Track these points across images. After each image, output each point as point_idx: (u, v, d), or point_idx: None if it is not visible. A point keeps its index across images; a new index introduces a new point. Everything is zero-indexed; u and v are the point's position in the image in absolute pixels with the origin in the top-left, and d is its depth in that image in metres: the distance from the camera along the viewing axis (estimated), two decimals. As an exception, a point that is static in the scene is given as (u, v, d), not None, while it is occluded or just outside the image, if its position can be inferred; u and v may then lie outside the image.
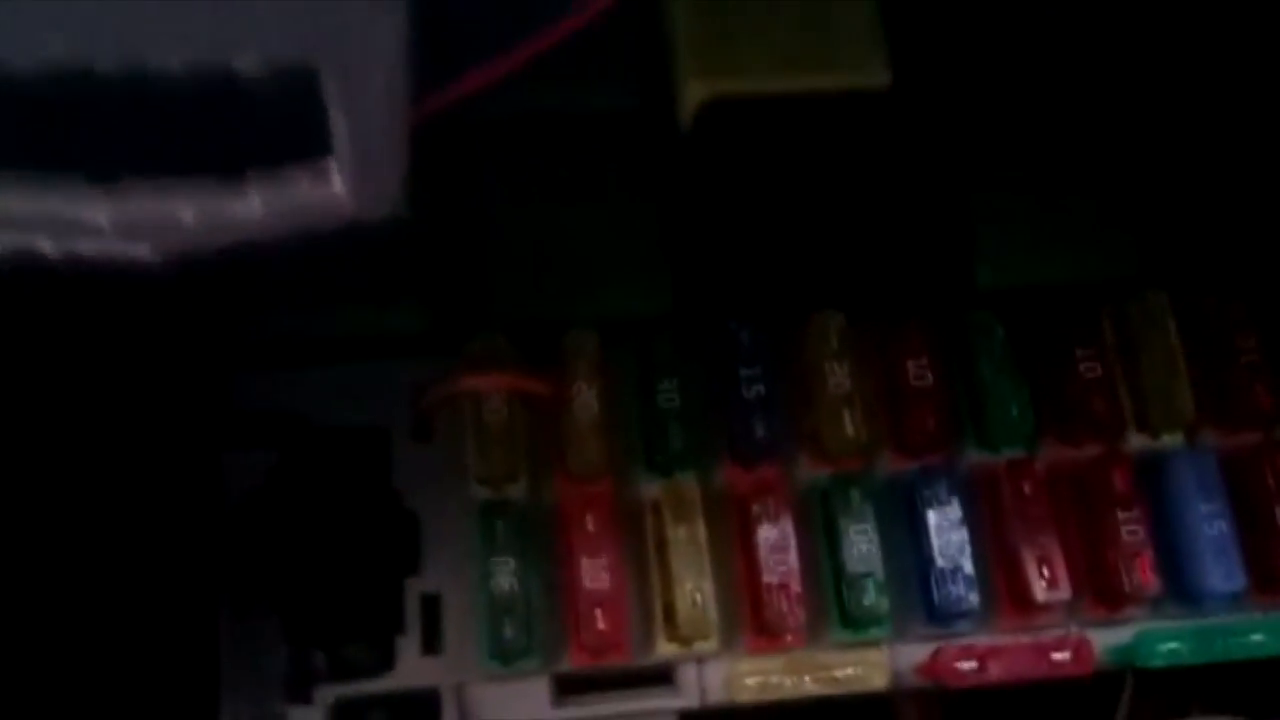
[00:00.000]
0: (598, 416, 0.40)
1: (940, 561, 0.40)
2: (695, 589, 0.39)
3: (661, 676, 0.40)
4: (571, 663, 0.39)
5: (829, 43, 0.39)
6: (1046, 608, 0.40)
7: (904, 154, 0.44)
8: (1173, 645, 0.41)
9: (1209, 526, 0.41)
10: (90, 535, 0.39)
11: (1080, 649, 0.40)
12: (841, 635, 0.40)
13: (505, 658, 0.38)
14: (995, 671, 0.40)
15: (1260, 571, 0.41)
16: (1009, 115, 0.44)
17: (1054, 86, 0.44)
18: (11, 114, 0.21)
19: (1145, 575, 0.40)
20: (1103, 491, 0.41)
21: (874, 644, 0.40)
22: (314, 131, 0.22)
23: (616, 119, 0.42)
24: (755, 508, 0.40)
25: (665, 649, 0.39)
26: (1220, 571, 0.40)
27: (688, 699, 0.40)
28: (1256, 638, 0.41)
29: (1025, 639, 0.40)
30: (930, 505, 0.40)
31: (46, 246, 0.23)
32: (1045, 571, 0.40)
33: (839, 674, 0.39)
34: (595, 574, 0.39)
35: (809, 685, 0.39)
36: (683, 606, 0.39)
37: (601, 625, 0.38)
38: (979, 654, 0.40)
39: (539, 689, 0.39)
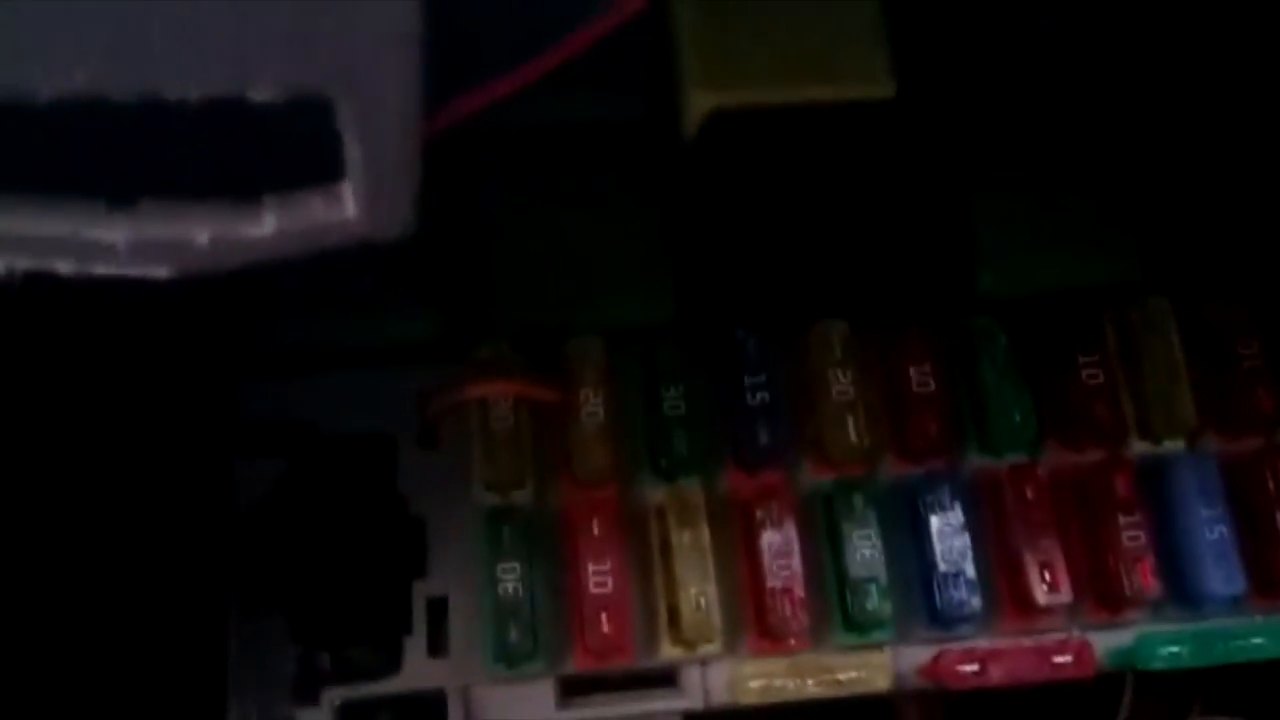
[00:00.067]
0: (603, 423, 0.40)
1: (942, 565, 0.40)
2: (699, 592, 0.39)
3: (665, 679, 0.40)
4: (576, 665, 0.40)
5: (833, 53, 0.39)
6: (1048, 611, 0.40)
7: (907, 162, 0.44)
8: (1173, 648, 0.41)
9: (1210, 531, 0.41)
10: (102, 539, 0.39)
11: (1081, 652, 0.40)
12: (844, 638, 0.40)
13: (510, 660, 0.39)
14: (996, 674, 0.40)
15: (1260, 575, 0.41)
16: (1011, 123, 0.44)
17: (1055, 94, 0.44)
18: (33, 140, 0.22)
19: (1146, 579, 0.40)
20: (1104, 496, 0.41)
21: (877, 647, 0.40)
22: (328, 157, 0.23)
23: (622, 129, 0.43)
24: (759, 513, 0.40)
25: (669, 651, 0.40)
26: (1221, 575, 0.41)
27: (691, 701, 0.40)
28: (1257, 641, 0.41)
29: (1027, 642, 0.41)
30: (933, 510, 0.41)
31: (64, 268, 0.23)
32: (1047, 575, 0.40)
33: (842, 676, 0.40)
34: (600, 578, 0.39)
35: (812, 687, 0.40)
36: (687, 610, 0.39)
37: (606, 628, 0.39)
38: (980, 657, 0.40)
39: (544, 691, 0.40)
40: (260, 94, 0.21)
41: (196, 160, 0.23)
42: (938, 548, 0.40)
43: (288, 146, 0.23)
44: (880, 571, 0.40)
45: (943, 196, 0.44)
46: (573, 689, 0.40)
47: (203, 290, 0.38)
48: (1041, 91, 0.44)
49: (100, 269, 0.23)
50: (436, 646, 0.40)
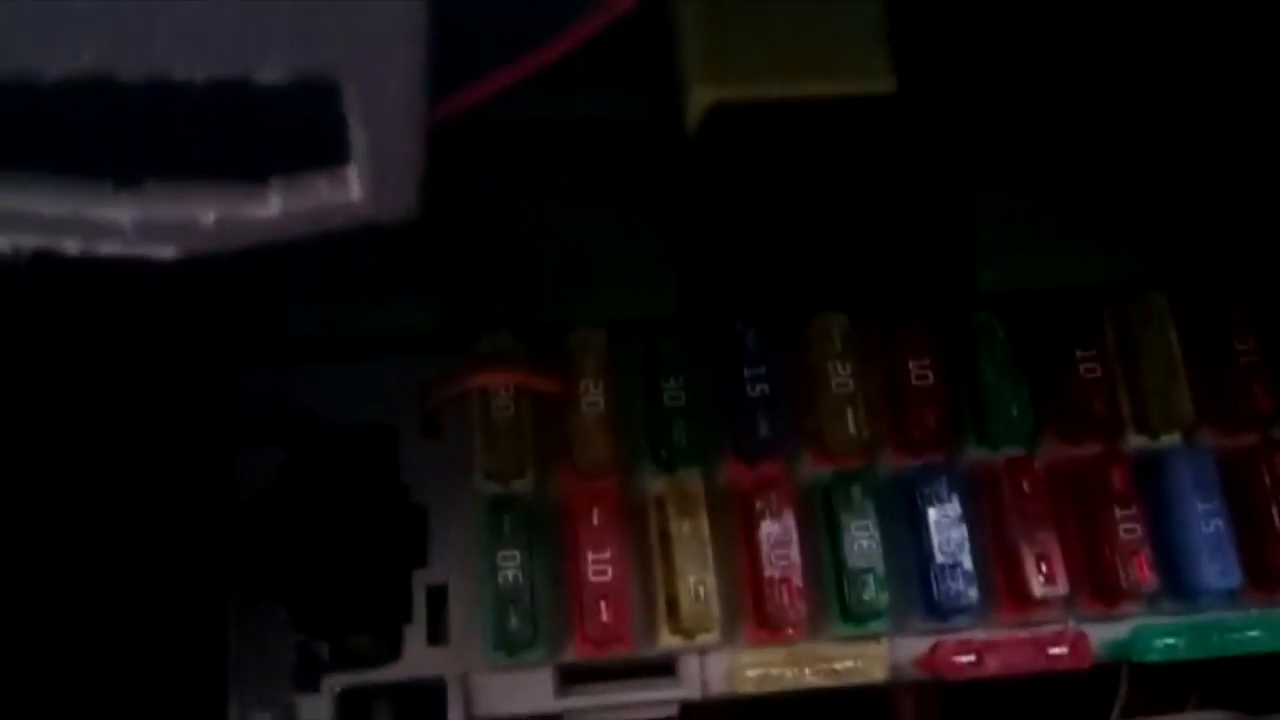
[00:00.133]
0: (604, 413, 0.40)
1: (940, 557, 0.40)
2: (698, 582, 0.39)
3: (664, 668, 0.41)
4: (575, 654, 0.40)
5: (834, 48, 0.40)
6: (1044, 603, 0.41)
7: (908, 158, 0.44)
8: (1169, 640, 0.41)
9: (1206, 525, 0.41)
10: (102, 528, 0.40)
11: (1077, 644, 0.41)
12: (842, 629, 0.41)
13: (510, 648, 0.39)
14: (993, 665, 0.40)
15: (1256, 569, 0.42)
16: (1011, 119, 0.44)
17: (1056, 92, 0.44)
18: (41, 119, 0.22)
19: (1142, 572, 0.41)
20: (1101, 489, 0.41)
21: (874, 638, 0.41)
22: (334, 139, 0.23)
23: (624, 123, 0.43)
24: (758, 503, 0.40)
25: (668, 641, 0.40)
26: (1216, 569, 0.41)
27: (689, 690, 0.40)
28: (1252, 633, 0.41)
29: (1023, 633, 0.41)
30: (930, 502, 0.41)
31: (71, 247, 0.23)
32: (1043, 567, 0.40)
33: (839, 666, 0.40)
34: (600, 567, 0.39)
35: (809, 677, 0.40)
36: (685, 599, 0.39)
37: (605, 617, 0.39)
38: (977, 648, 0.40)
39: (543, 679, 0.40)
40: (267, 76, 0.21)
41: (203, 141, 0.23)
42: (935, 539, 0.41)
43: (294, 129, 0.23)
44: (878, 562, 0.40)
45: (943, 193, 0.44)
46: (571, 677, 0.40)
47: (205, 278, 0.38)
48: (1042, 89, 0.44)
49: (106, 249, 0.23)
50: (436, 634, 0.40)
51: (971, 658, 0.40)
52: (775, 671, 0.40)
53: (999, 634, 0.41)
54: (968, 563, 0.40)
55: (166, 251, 0.24)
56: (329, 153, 0.23)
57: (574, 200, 0.43)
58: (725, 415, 0.42)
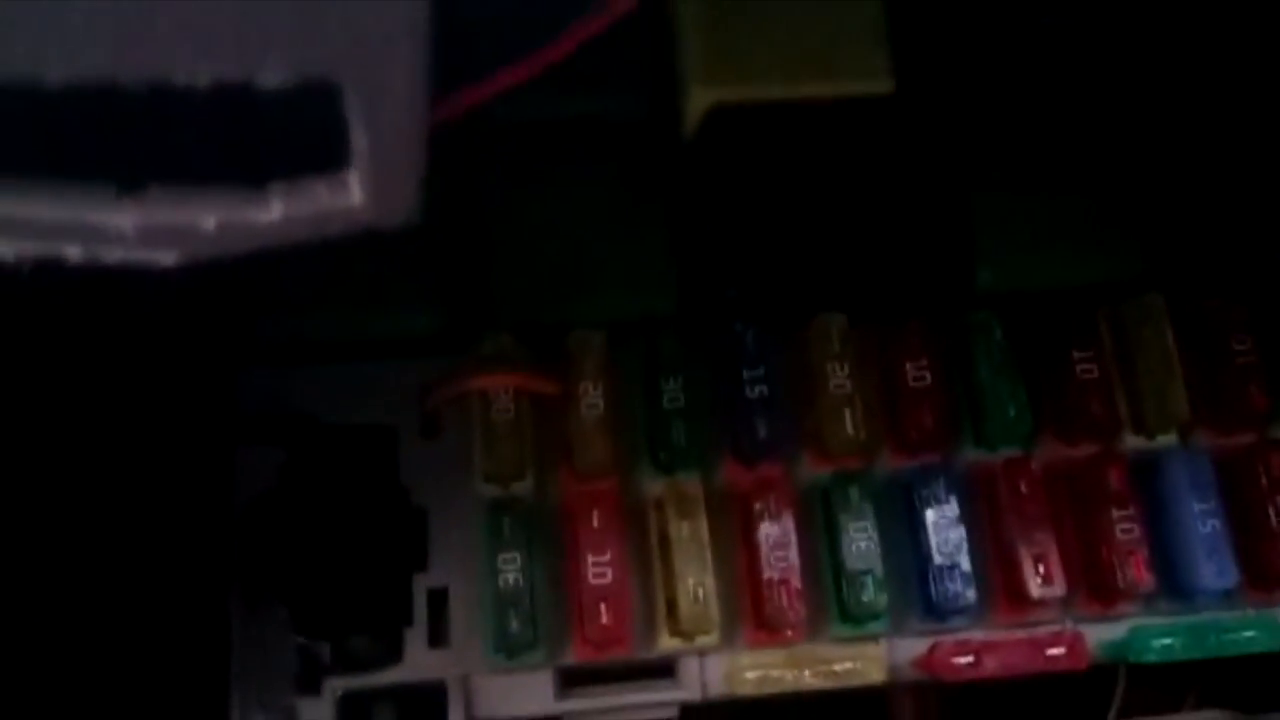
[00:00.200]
0: (603, 415, 0.40)
1: (938, 558, 0.40)
2: (697, 584, 0.39)
3: (663, 670, 0.41)
4: (575, 656, 0.40)
5: (833, 49, 0.40)
6: (1042, 604, 0.41)
7: (905, 159, 0.44)
8: (1166, 641, 0.41)
9: (1202, 525, 0.41)
10: (103, 529, 0.40)
11: (1075, 644, 0.41)
12: (840, 630, 0.41)
13: (510, 651, 0.39)
14: (990, 666, 0.40)
15: (1253, 569, 0.42)
16: (1009, 120, 0.44)
17: (1054, 91, 0.44)
18: (42, 124, 0.22)
19: (1139, 572, 0.41)
20: (1098, 490, 0.42)
21: (872, 639, 0.41)
22: (335, 143, 0.23)
23: (624, 124, 0.43)
24: (757, 505, 0.40)
25: (667, 643, 0.40)
26: (1213, 569, 0.41)
27: (689, 692, 0.40)
28: (1248, 634, 0.41)
29: (1020, 634, 0.41)
30: (928, 503, 0.41)
31: (72, 254, 0.23)
32: (1041, 568, 0.40)
33: (838, 668, 0.40)
34: (599, 569, 0.39)
35: (808, 679, 0.40)
36: (685, 601, 0.39)
37: (605, 619, 0.39)
38: (975, 649, 0.40)
39: (543, 682, 0.40)
40: (269, 80, 0.21)
41: (204, 146, 0.23)
42: (933, 540, 0.41)
43: (295, 133, 0.23)
44: (876, 564, 0.40)
45: (941, 193, 0.44)
46: (571, 679, 0.40)
47: (206, 281, 0.38)
48: (1041, 89, 0.44)
49: (108, 255, 0.23)
50: (437, 637, 0.40)
51: (969, 658, 0.40)
52: (774, 673, 0.40)
53: (997, 635, 0.41)
54: (965, 564, 0.40)
55: (168, 257, 0.24)
56: (330, 158, 0.23)
57: (574, 201, 0.43)
58: (724, 416, 0.42)
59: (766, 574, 0.40)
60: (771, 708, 0.41)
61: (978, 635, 0.41)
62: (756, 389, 0.41)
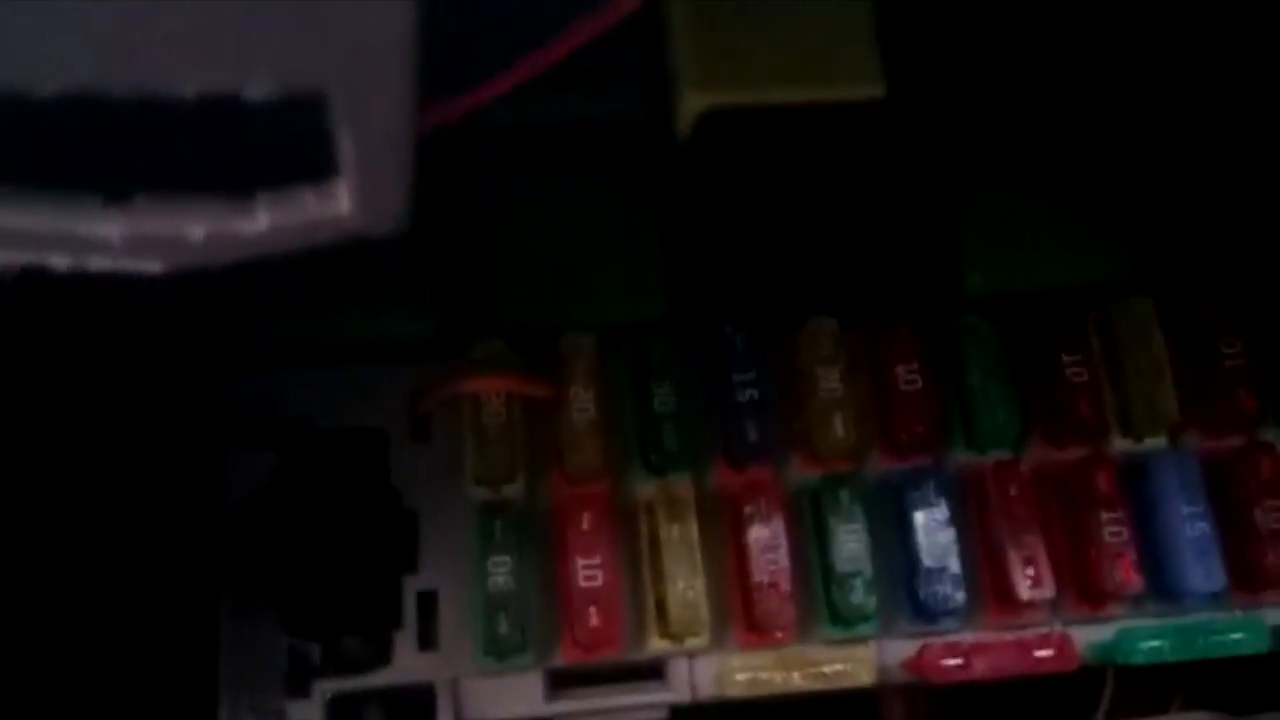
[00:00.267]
0: (594, 419, 0.41)
1: (927, 560, 0.41)
2: (687, 586, 0.39)
3: (653, 671, 0.41)
4: (565, 658, 0.40)
5: (825, 54, 0.40)
6: (1031, 606, 0.41)
7: (897, 163, 0.44)
8: (1154, 643, 0.41)
9: (1191, 527, 0.41)
10: (95, 530, 0.40)
11: (1063, 646, 0.41)
12: (830, 632, 0.41)
13: (500, 654, 0.39)
14: (979, 668, 0.40)
15: (1241, 571, 0.42)
16: (999, 123, 0.45)
17: (1043, 95, 0.44)
18: (29, 134, 0.22)
19: (1128, 574, 0.41)
20: (1087, 492, 0.42)
21: (862, 641, 0.41)
22: (322, 153, 0.23)
23: (615, 128, 0.43)
24: (747, 508, 0.40)
25: (657, 645, 0.40)
26: (1202, 571, 0.41)
27: (679, 694, 0.41)
28: (1236, 636, 0.42)
29: (1009, 636, 0.41)
30: (918, 506, 0.41)
31: (59, 263, 0.23)
32: (1030, 570, 0.41)
33: (827, 670, 0.40)
34: (589, 572, 0.40)
35: (798, 681, 0.40)
36: (675, 603, 0.39)
37: (595, 621, 0.39)
38: (964, 651, 0.41)
39: (532, 684, 0.40)
40: (256, 91, 0.21)
41: (191, 156, 0.23)
42: (922, 543, 0.41)
43: (283, 146, 0.23)
44: (866, 566, 0.40)
45: (932, 197, 0.45)
46: (561, 682, 0.40)
47: (198, 284, 0.38)
48: (1031, 93, 0.45)
49: (95, 264, 0.23)
50: (427, 639, 0.40)
51: (959, 660, 0.41)
52: (764, 675, 0.40)
53: (986, 637, 0.41)
54: (955, 566, 0.41)
55: (155, 267, 0.24)
56: (318, 167, 0.24)
57: (566, 205, 0.43)
58: (715, 420, 0.42)
59: (756, 576, 0.40)
60: (761, 710, 0.41)
61: (967, 637, 0.41)
62: (747, 392, 0.41)
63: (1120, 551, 0.41)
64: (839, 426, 0.41)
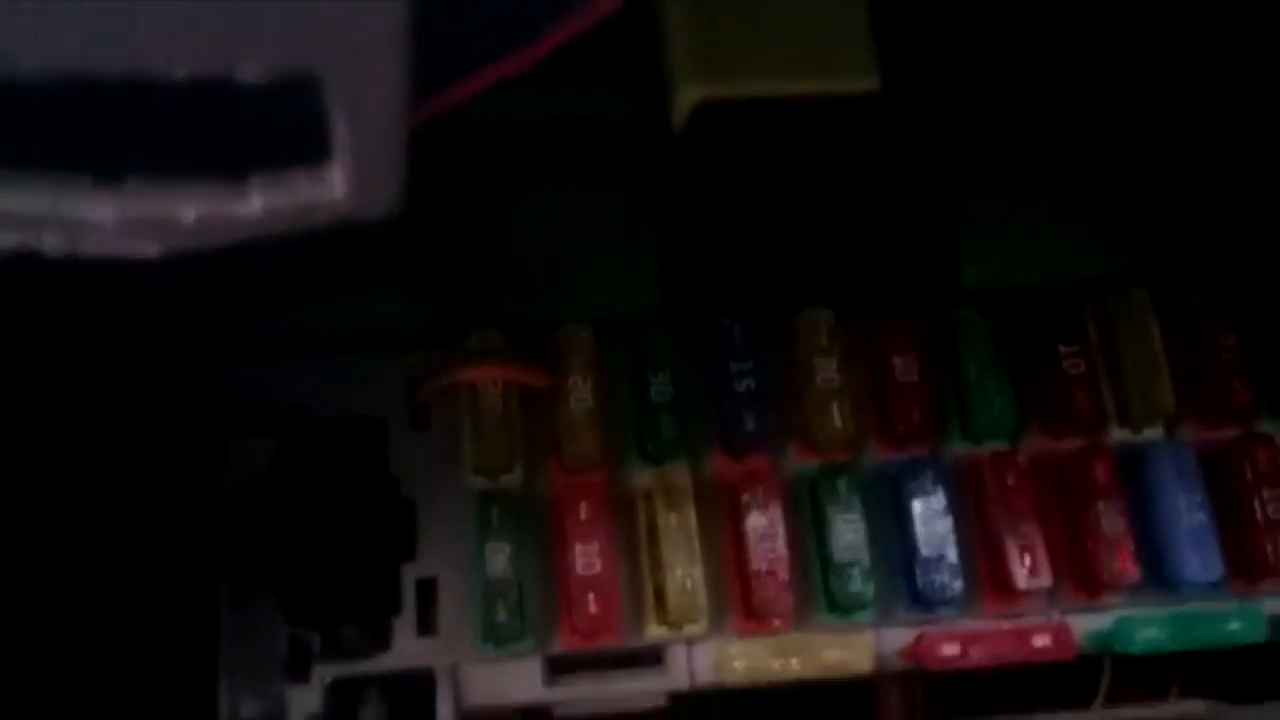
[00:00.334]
0: (592, 408, 0.41)
1: (924, 549, 0.41)
2: (685, 574, 0.40)
3: (651, 658, 0.41)
4: (563, 645, 0.40)
5: (820, 47, 0.40)
6: (1028, 594, 0.41)
7: (892, 156, 0.44)
8: (1152, 632, 0.42)
9: (1188, 517, 0.42)
10: (94, 518, 0.40)
11: (1060, 634, 0.41)
12: (828, 620, 0.41)
13: (498, 640, 0.39)
14: (977, 656, 0.41)
15: (1237, 561, 0.42)
16: (995, 117, 0.45)
17: (1039, 89, 0.44)
18: (20, 115, 0.22)
19: (1125, 564, 0.41)
20: (1084, 482, 0.42)
21: (859, 629, 0.41)
22: (315, 135, 0.23)
23: (611, 121, 0.43)
24: (745, 496, 0.41)
25: (655, 632, 0.40)
26: (1199, 561, 0.41)
27: (677, 681, 0.41)
28: (1233, 625, 0.42)
29: (1007, 625, 0.41)
30: (915, 495, 0.41)
31: (51, 244, 0.23)
32: (1027, 559, 0.41)
33: (825, 657, 0.40)
34: (588, 559, 0.40)
35: (796, 668, 0.40)
36: (673, 591, 0.40)
37: (593, 608, 0.40)
38: (961, 639, 0.41)
39: (531, 670, 0.40)
40: (248, 73, 0.22)
41: (184, 139, 0.24)
42: (920, 532, 0.41)
43: (276, 128, 0.23)
44: (863, 554, 0.40)
45: (927, 190, 0.45)
46: (560, 668, 0.41)
47: (195, 273, 0.39)
48: (1026, 87, 0.45)
49: (87, 247, 0.24)
50: (426, 626, 0.40)
51: (956, 648, 0.41)
52: (762, 662, 0.40)
53: (983, 625, 0.41)
54: (952, 555, 0.41)
55: (148, 250, 0.24)
56: (311, 150, 0.24)
57: (562, 197, 0.43)
58: (712, 409, 0.42)
59: (754, 564, 0.40)
60: (759, 697, 0.41)
61: (965, 626, 0.41)
62: (744, 382, 0.42)
63: (1117, 541, 0.41)
64: (836, 417, 0.42)
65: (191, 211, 0.23)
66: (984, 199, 0.45)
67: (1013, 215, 0.45)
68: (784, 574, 0.40)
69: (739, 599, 0.41)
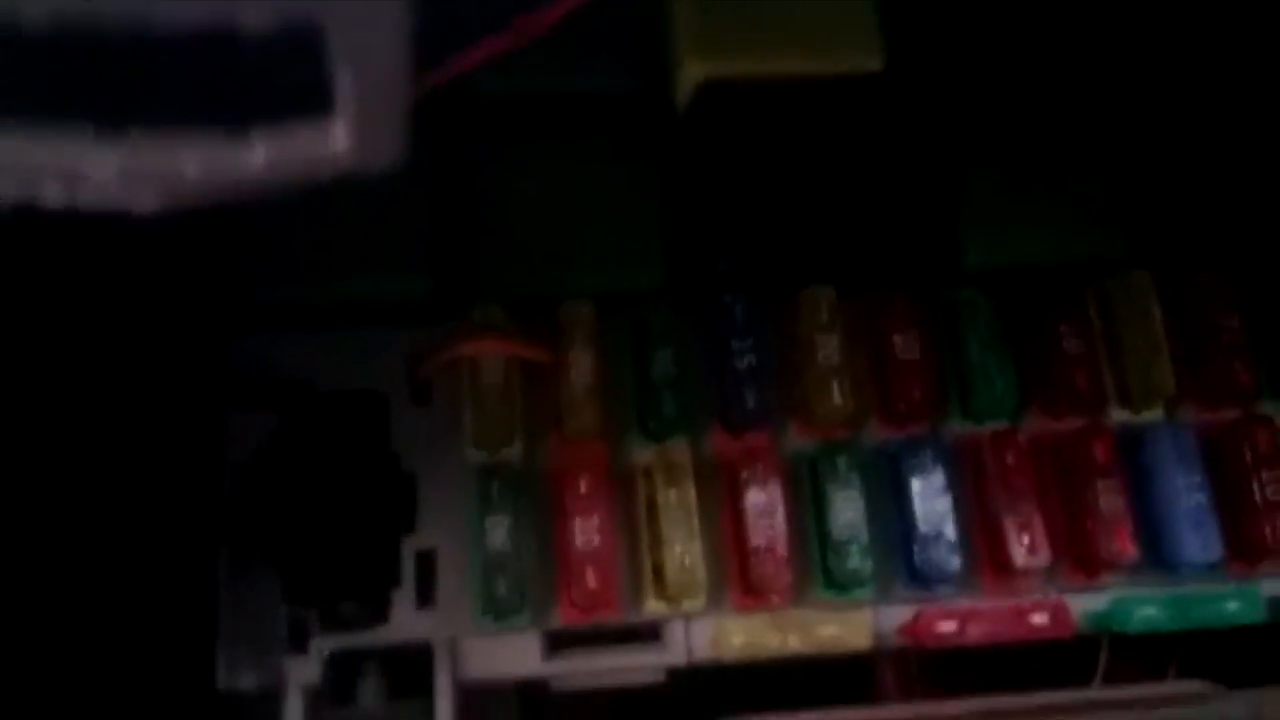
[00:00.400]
0: (593, 382, 0.41)
1: (923, 527, 0.41)
2: (684, 550, 0.40)
3: (650, 634, 0.41)
4: (562, 619, 0.40)
5: (824, 27, 0.40)
6: (1026, 573, 0.41)
7: (895, 136, 0.45)
8: (1149, 611, 0.42)
9: (1187, 498, 0.42)
10: (94, 488, 0.40)
11: (1058, 612, 0.41)
12: (826, 596, 0.41)
13: (498, 613, 0.39)
14: (974, 633, 0.41)
15: (1236, 542, 0.42)
16: (998, 98, 0.45)
17: (1042, 70, 0.44)
18: (21, 64, 0.22)
19: (1123, 543, 0.41)
20: (1084, 462, 0.42)
21: (857, 605, 0.41)
22: (318, 86, 0.23)
23: (615, 98, 0.43)
24: (744, 473, 0.41)
25: (654, 607, 0.41)
26: (1198, 542, 0.41)
27: (675, 656, 0.41)
28: (1231, 606, 0.42)
29: (1005, 602, 0.41)
30: (915, 473, 0.41)
31: (52, 194, 0.24)
32: (1025, 538, 0.41)
33: (823, 633, 0.40)
34: (587, 534, 0.40)
35: (793, 644, 0.40)
36: (672, 567, 0.40)
37: (592, 583, 0.40)
38: (959, 616, 0.41)
39: (530, 644, 0.40)
40: (251, 23, 0.22)
41: (188, 92, 0.24)
42: (919, 509, 0.41)
43: (279, 78, 0.23)
44: (862, 531, 0.41)
45: (930, 170, 0.45)
46: (559, 642, 0.41)
47: (201, 246, 0.39)
48: (1029, 68, 0.45)
49: (90, 199, 0.24)
50: (425, 599, 0.41)
51: (954, 626, 0.41)
52: (760, 638, 0.40)
53: (981, 602, 0.41)
54: (951, 533, 0.41)
55: (150, 202, 0.24)
56: (314, 103, 0.24)
57: (565, 173, 0.43)
58: (713, 386, 0.42)
59: (753, 540, 0.40)
60: (757, 674, 0.41)
61: (963, 603, 0.41)
62: (745, 359, 0.42)
63: (1116, 521, 0.41)
64: (836, 394, 0.42)
65: (194, 164, 0.23)
66: (987, 179, 0.45)
67: (1015, 196, 0.45)
68: (782, 550, 0.40)
69: (737, 575, 0.41)
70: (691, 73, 0.40)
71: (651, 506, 0.41)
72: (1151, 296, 0.43)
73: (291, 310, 0.42)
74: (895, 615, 0.41)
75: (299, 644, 0.40)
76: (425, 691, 0.39)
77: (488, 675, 0.40)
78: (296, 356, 0.42)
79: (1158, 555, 0.42)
